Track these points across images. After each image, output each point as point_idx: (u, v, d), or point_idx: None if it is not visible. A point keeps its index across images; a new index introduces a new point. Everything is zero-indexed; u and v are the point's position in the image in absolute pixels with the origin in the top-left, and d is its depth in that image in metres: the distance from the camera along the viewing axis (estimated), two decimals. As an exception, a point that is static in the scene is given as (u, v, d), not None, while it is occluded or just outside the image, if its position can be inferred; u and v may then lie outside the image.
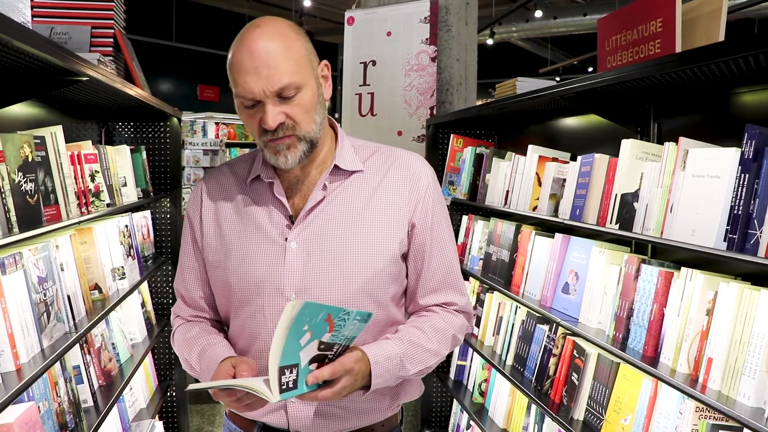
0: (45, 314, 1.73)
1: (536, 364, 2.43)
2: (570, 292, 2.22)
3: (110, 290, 2.36)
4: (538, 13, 9.92)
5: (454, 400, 3.52)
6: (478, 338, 3.10)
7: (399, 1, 4.16)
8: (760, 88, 1.67)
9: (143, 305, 3.02)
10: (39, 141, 1.81)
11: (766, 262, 1.32)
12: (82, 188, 2.14)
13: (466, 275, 3.36)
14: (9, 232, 1.50)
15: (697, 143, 1.66)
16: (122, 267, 2.48)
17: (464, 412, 3.20)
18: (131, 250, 2.67)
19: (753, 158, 1.40)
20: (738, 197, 1.43)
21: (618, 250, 2.07)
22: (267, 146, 1.32)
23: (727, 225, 1.45)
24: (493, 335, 2.95)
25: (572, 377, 2.16)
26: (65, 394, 1.91)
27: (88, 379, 2.12)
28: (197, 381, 1.38)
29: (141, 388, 2.93)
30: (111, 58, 2.62)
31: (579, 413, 2.09)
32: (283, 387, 1.09)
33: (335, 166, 1.40)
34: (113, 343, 2.49)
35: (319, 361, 1.17)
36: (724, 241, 1.46)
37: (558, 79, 2.15)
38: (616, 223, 1.88)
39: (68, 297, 1.94)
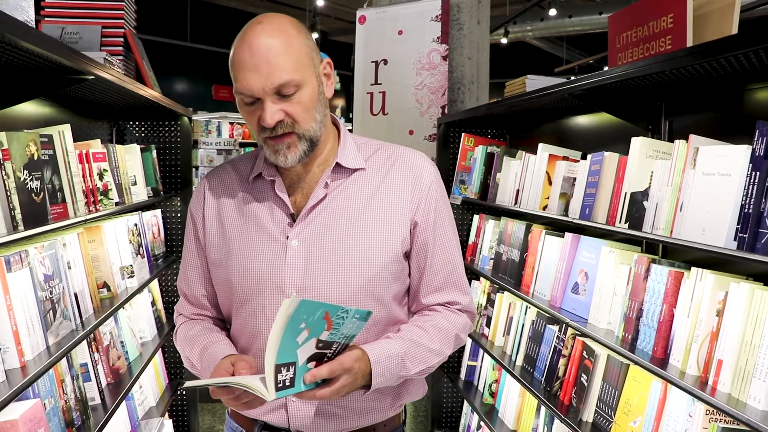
0: (51, 312, 1.74)
1: (546, 365, 2.40)
2: (579, 293, 2.19)
3: (119, 288, 2.37)
4: (553, 12, 9.85)
5: (465, 401, 3.50)
6: (488, 339, 3.08)
7: (410, 0, 4.15)
8: (773, 84, 1.64)
9: (153, 304, 3.03)
10: (46, 139, 1.82)
11: (777, 261, 1.29)
12: (90, 187, 2.14)
13: (477, 275, 3.34)
14: (14, 230, 1.51)
15: (707, 141, 1.63)
16: (131, 265, 2.48)
17: (474, 412, 3.17)
18: (140, 248, 2.68)
19: (764, 156, 1.37)
20: (749, 195, 1.40)
21: (628, 250, 2.04)
22: (266, 144, 1.31)
23: (738, 224, 1.42)
24: (504, 336, 2.93)
25: (581, 378, 2.13)
26: (72, 392, 1.91)
27: (96, 377, 2.13)
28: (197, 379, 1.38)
29: (151, 386, 2.94)
30: (121, 57, 2.63)
31: (588, 415, 2.06)
32: (279, 385, 1.08)
33: (337, 163, 1.38)
34: (122, 342, 2.50)
35: (318, 359, 1.16)
36: (735, 240, 1.42)
37: (573, 78, 2.12)
38: (625, 223, 1.85)
39: (75, 295, 1.94)
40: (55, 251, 1.83)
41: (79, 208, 1.99)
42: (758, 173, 1.37)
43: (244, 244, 1.39)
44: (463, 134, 3.48)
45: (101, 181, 2.23)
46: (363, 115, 4.35)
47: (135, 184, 2.76)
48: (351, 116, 4.59)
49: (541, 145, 2.57)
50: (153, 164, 3.07)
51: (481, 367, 3.33)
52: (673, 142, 1.72)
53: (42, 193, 1.69)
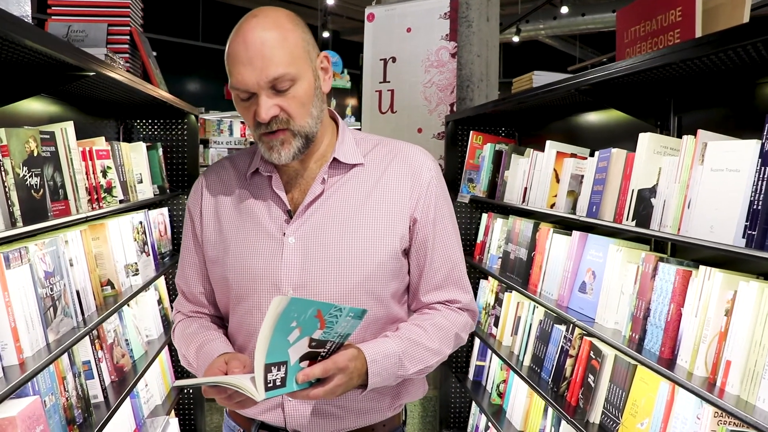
0: (51, 309, 1.73)
1: (553, 366, 2.37)
2: (587, 292, 2.15)
3: (123, 286, 2.36)
4: (564, 10, 9.77)
5: (473, 401, 3.47)
6: (496, 338, 3.05)
7: (419, -3, 4.12)
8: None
9: (160, 302, 3.03)
10: (48, 136, 1.82)
11: (786, 259, 1.25)
12: (94, 184, 2.14)
13: (485, 274, 3.31)
14: (12, 226, 1.50)
15: (716, 136, 1.59)
16: (135, 263, 2.48)
17: (482, 413, 3.14)
18: (146, 246, 2.68)
19: (774, 151, 1.33)
20: (758, 192, 1.36)
21: (636, 248, 2.00)
22: (261, 140, 1.29)
23: (747, 221, 1.39)
24: (512, 335, 2.90)
25: (588, 379, 2.10)
26: (74, 389, 1.91)
27: (99, 375, 2.12)
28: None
29: (157, 384, 2.93)
30: (127, 55, 2.63)
31: (595, 416, 2.03)
32: (269, 385, 1.06)
33: (334, 159, 1.36)
34: (127, 340, 2.49)
35: (311, 358, 1.14)
36: (743, 237, 1.39)
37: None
38: (632, 220, 1.82)
39: (77, 292, 1.94)
40: (56, 248, 1.82)
41: (81, 205, 1.98)
42: (767, 168, 1.34)
43: (241, 241, 1.37)
44: (471, 132, 3.45)
45: (105, 178, 2.23)
46: (372, 113, 4.34)
47: (141, 182, 2.75)
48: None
49: (548, 142, 2.54)
50: (159, 162, 3.07)
51: (489, 367, 3.30)
52: (681, 138, 1.68)
53: (42, 190, 1.68)
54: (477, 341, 3.44)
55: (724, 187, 1.46)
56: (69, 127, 1.99)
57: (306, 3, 11.84)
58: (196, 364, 1.38)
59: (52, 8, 2.64)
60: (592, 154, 2.44)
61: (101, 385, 2.13)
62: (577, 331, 2.23)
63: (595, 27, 10.38)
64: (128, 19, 2.67)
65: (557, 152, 2.47)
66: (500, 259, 3.04)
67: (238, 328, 1.41)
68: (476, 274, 3.54)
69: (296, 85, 1.24)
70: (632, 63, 1.66)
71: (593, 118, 2.62)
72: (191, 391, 3.35)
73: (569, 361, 2.25)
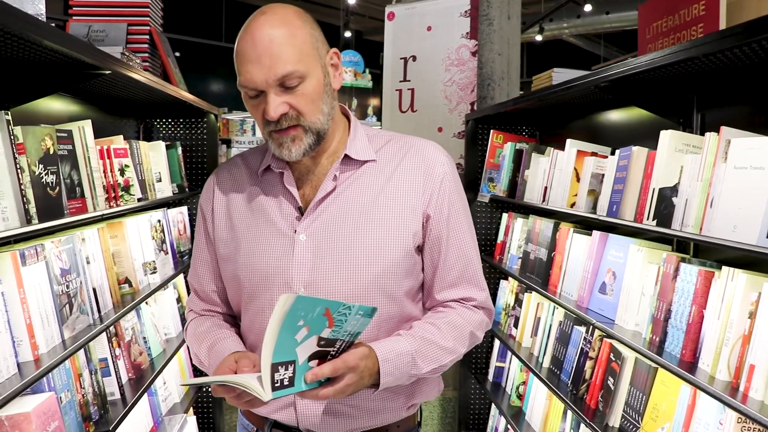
0: (67, 306, 1.74)
1: (572, 368, 2.33)
2: (607, 293, 2.11)
3: (141, 284, 2.37)
4: (588, 8, 9.65)
5: (492, 403, 3.44)
6: (516, 340, 3.01)
7: (440, -5, 4.09)
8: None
9: (179, 300, 3.04)
10: (66, 135, 1.83)
11: (812, 260, 1.21)
12: (111, 182, 2.15)
13: (505, 274, 3.27)
14: (27, 223, 1.51)
15: (739, 133, 1.54)
16: (153, 261, 2.49)
17: (502, 415, 3.11)
18: (164, 244, 2.69)
19: (800, 147, 1.29)
20: (783, 190, 1.32)
21: (657, 249, 1.95)
22: (271, 138, 1.28)
23: (771, 220, 1.34)
24: (531, 337, 2.86)
25: (608, 382, 2.06)
26: (90, 386, 1.92)
27: (116, 372, 2.13)
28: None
29: (175, 382, 2.94)
30: (147, 54, 2.65)
31: (615, 420, 1.99)
32: (277, 384, 1.05)
33: (346, 155, 1.35)
34: (145, 337, 2.50)
35: (321, 357, 1.12)
36: (768, 237, 1.34)
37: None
38: (653, 220, 1.77)
39: (94, 290, 1.95)
40: (72, 246, 1.83)
41: (99, 203, 1.99)
42: (793, 166, 1.29)
43: (252, 238, 1.36)
44: (491, 131, 3.41)
45: (122, 176, 2.24)
46: (392, 113, 4.32)
47: (160, 180, 2.77)
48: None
49: (569, 141, 2.49)
50: (178, 161, 3.08)
51: (509, 368, 3.26)
52: (704, 135, 1.64)
53: (58, 188, 1.69)
54: (497, 342, 3.40)
55: (748, 185, 1.42)
56: (87, 125, 2.00)
57: (328, 3, 11.87)
58: (208, 362, 1.38)
59: (73, 9, 2.67)
60: (613, 153, 2.40)
61: (118, 383, 2.13)
62: (596, 332, 2.19)
63: (620, 25, 10.24)
64: (148, 18, 2.69)
65: (578, 151, 2.43)
66: (520, 260, 3.00)
67: (250, 327, 1.40)
68: (496, 274, 3.50)
69: (305, 82, 1.23)
70: (653, 58, 1.62)
71: (615, 116, 2.57)
72: (209, 389, 3.36)
73: (589, 363, 2.21)
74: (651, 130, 2.12)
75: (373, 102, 8.62)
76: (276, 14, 1.23)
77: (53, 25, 1.62)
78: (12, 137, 1.49)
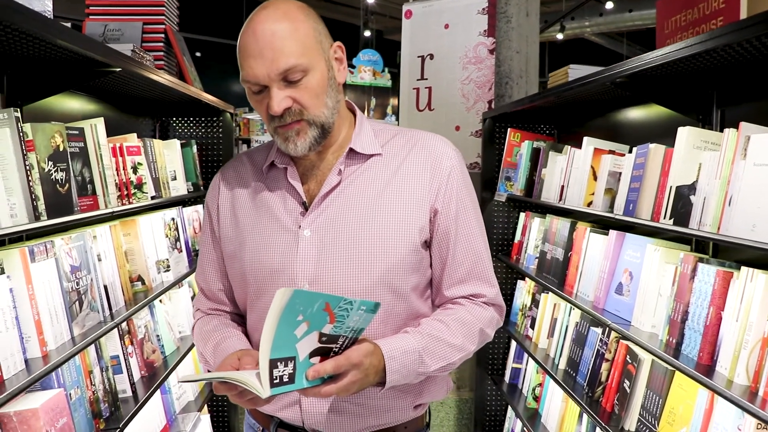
0: (77, 303, 1.74)
1: (588, 370, 2.28)
2: (623, 293, 2.07)
3: (154, 282, 2.37)
4: (609, 5, 9.52)
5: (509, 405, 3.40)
6: (532, 341, 2.97)
7: (457, -7, 4.06)
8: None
9: (193, 298, 3.04)
10: (77, 132, 1.83)
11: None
12: (124, 180, 2.15)
13: (522, 274, 3.23)
14: (36, 220, 1.51)
15: (760, 129, 1.49)
16: (167, 259, 2.49)
17: (518, 417, 3.07)
18: (177, 242, 2.69)
19: (821, 143, 1.24)
20: (804, 188, 1.27)
21: (675, 248, 1.90)
22: (276, 132, 1.27)
23: (791, 219, 1.29)
24: (548, 338, 2.82)
25: (624, 384, 2.01)
26: (100, 383, 1.92)
27: (128, 370, 2.14)
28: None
29: (189, 380, 2.95)
30: (162, 53, 2.66)
31: (630, 423, 1.94)
32: (276, 381, 1.03)
33: (351, 149, 1.33)
34: (158, 335, 2.51)
35: (324, 354, 1.10)
36: (788, 236, 1.30)
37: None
38: (670, 218, 1.73)
39: (105, 287, 1.95)
40: (83, 243, 1.84)
41: (110, 200, 2.00)
42: (814, 163, 1.25)
43: (257, 235, 1.34)
44: (509, 129, 3.37)
45: (135, 174, 2.24)
46: (409, 111, 4.29)
47: (174, 179, 2.77)
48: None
49: (586, 139, 2.45)
50: (193, 159, 3.09)
51: (525, 369, 3.22)
52: (723, 132, 1.59)
53: (68, 185, 1.69)
54: (513, 343, 3.36)
55: (768, 182, 1.37)
56: (99, 123, 2.00)
57: (349, 3, 11.88)
58: (213, 362, 1.36)
59: (90, 8, 2.68)
60: (630, 151, 2.35)
61: (130, 380, 2.14)
62: (613, 334, 2.14)
63: (643, 23, 10.10)
64: (163, 17, 2.70)
65: (595, 149, 2.39)
66: (537, 260, 2.96)
67: (256, 325, 1.38)
68: (513, 274, 3.46)
69: (308, 76, 1.21)
70: (670, 51, 1.57)
71: (634, 114, 2.52)
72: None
73: (605, 366, 2.16)
74: (670, 127, 2.07)
75: (393, 101, 8.60)
76: (278, 8, 1.22)
77: (69, 25, 1.63)
78: (21, 134, 1.50)
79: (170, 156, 2.77)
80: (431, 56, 4.17)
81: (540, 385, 2.99)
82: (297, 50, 1.19)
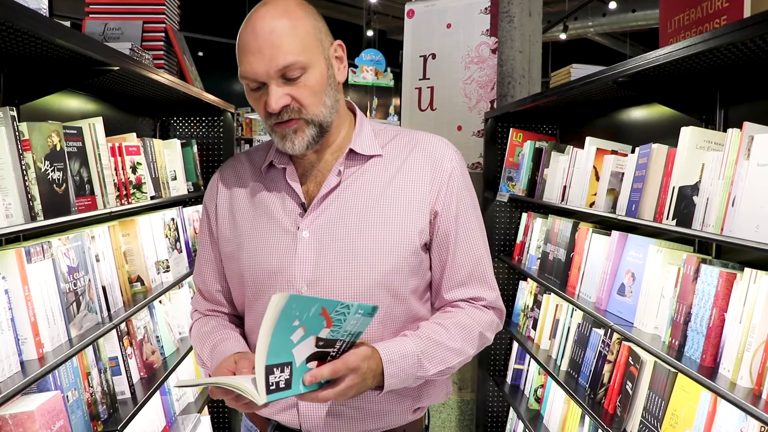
0: (74, 304, 1.73)
1: (591, 371, 2.27)
2: (626, 294, 2.05)
3: (153, 283, 2.36)
4: (613, 5, 9.48)
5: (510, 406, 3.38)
6: (534, 342, 2.95)
7: (459, -8, 4.04)
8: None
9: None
10: (75, 131, 1.82)
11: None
12: (123, 180, 2.14)
13: (524, 275, 3.21)
14: (32, 220, 1.50)
15: (763, 128, 1.47)
16: (167, 260, 2.48)
17: (520, 418, 3.05)
18: (177, 243, 2.68)
19: (826, 143, 1.22)
20: (809, 188, 1.25)
21: (677, 249, 1.89)
22: (273, 131, 1.25)
23: (796, 220, 1.28)
24: (550, 339, 2.80)
25: (626, 386, 1.99)
26: (98, 385, 1.91)
27: (127, 371, 2.12)
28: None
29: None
30: (162, 52, 2.65)
31: (633, 426, 1.92)
32: (272, 387, 1.01)
33: (351, 150, 1.31)
34: (158, 336, 2.49)
35: (321, 359, 1.09)
36: (792, 238, 1.28)
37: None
38: (672, 219, 1.71)
39: (103, 288, 1.94)
40: (81, 243, 1.82)
41: (109, 200, 1.98)
42: (819, 162, 1.23)
43: (255, 236, 1.33)
44: (511, 129, 3.35)
45: (134, 174, 2.23)
46: (411, 111, 4.27)
47: (175, 179, 2.76)
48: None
49: (588, 139, 2.43)
50: (194, 159, 3.07)
51: (527, 371, 3.20)
52: (726, 132, 1.57)
53: (65, 185, 1.68)
54: (515, 344, 3.34)
55: (772, 183, 1.35)
56: (98, 122, 1.99)
57: (352, 2, 11.87)
58: (210, 364, 1.35)
59: (89, 7, 2.67)
60: (633, 151, 2.33)
61: (129, 382, 2.12)
62: (615, 335, 2.13)
63: (647, 23, 10.06)
64: (163, 16, 2.69)
65: (597, 149, 2.37)
66: (539, 260, 2.94)
67: (254, 326, 1.37)
68: (515, 275, 3.44)
69: (307, 74, 1.20)
70: (673, 50, 1.55)
71: (636, 114, 2.50)
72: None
73: (607, 367, 2.15)
74: (673, 127, 2.05)
75: (395, 101, 8.59)
76: (278, 5, 1.20)
77: (68, 23, 1.61)
78: (17, 133, 1.48)
79: (170, 156, 2.76)
80: (433, 56, 4.15)
81: (542, 386, 2.97)
82: (296, 47, 1.18)
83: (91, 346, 1.89)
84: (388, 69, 7.79)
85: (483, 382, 3.54)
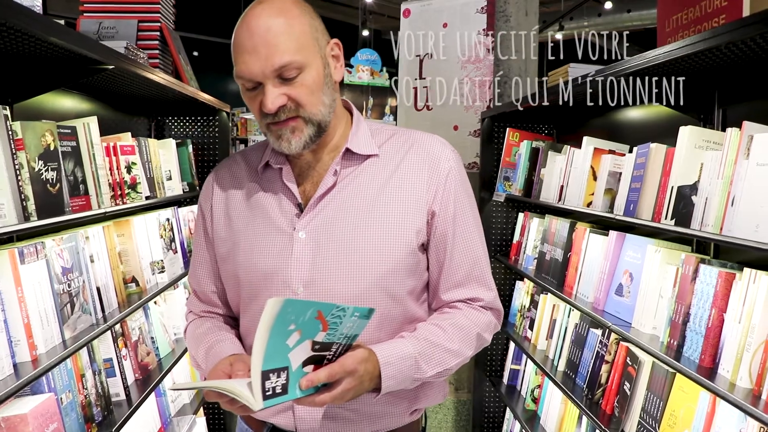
0: (69, 305, 1.71)
1: (588, 372, 2.26)
2: (624, 295, 2.04)
3: (148, 283, 2.34)
4: (608, 5, 9.49)
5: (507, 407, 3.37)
6: (531, 342, 2.94)
7: (456, -8, 4.03)
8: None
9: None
10: (69, 131, 1.80)
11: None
12: (117, 180, 2.12)
13: (521, 275, 3.20)
14: (26, 220, 1.48)
15: (763, 128, 1.46)
16: (162, 261, 2.46)
17: (516, 419, 3.04)
18: (172, 243, 2.66)
19: (827, 142, 1.21)
20: (809, 187, 1.24)
21: (676, 249, 1.88)
22: (269, 130, 1.24)
23: (796, 219, 1.27)
24: (546, 339, 2.79)
25: (624, 387, 1.98)
26: (93, 387, 1.89)
27: (121, 373, 2.10)
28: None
29: (184, 383, 2.92)
30: (157, 51, 2.63)
31: (631, 426, 1.92)
32: (269, 393, 0.99)
33: (348, 150, 1.30)
34: (153, 337, 2.48)
35: (317, 362, 1.07)
36: (792, 237, 1.27)
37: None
38: (671, 219, 1.70)
39: (98, 289, 1.92)
40: (75, 244, 1.81)
41: (104, 200, 1.97)
42: (819, 162, 1.22)
43: (251, 236, 1.32)
44: (507, 129, 3.34)
45: (129, 174, 2.21)
46: (407, 111, 4.26)
47: (170, 179, 2.74)
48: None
49: (585, 138, 2.42)
50: (189, 159, 3.05)
51: (524, 371, 3.19)
52: (725, 131, 1.56)
53: (59, 185, 1.66)
54: (512, 344, 3.33)
55: (771, 182, 1.35)
56: (92, 122, 1.97)
57: (347, 2, 11.85)
58: (205, 366, 1.34)
59: (84, 5, 2.65)
60: (631, 151, 2.32)
61: (123, 383, 2.11)
62: (613, 336, 2.12)
63: (642, 24, 10.06)
64: (158, 15, 2.67)
65: (594, 149, 2.36)
66: (536, 260, 2.93)
67: (249, 328, 1.36)
68: (512, 275, 3.43)
69: (304, 73, 1.18)
70: (671, 49, 1.55)
71: (634, 113, 2.49)
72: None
73: (605, 368, 2.14)
74: (672, 126, 2.05)
75: (391, 101, 8.57)
76: (273, 4, 1.19)
77: (62, 22, 1.59)
78: (10, 132, 1.47)
79: (165, 155, 2.74)
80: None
81: (539, 386, 2.96)
82: (292, 47, 1.16)
83: (85, 348, 1.87)
84: (384, 69, 7.78)
85: (479, 382, 3.53)
